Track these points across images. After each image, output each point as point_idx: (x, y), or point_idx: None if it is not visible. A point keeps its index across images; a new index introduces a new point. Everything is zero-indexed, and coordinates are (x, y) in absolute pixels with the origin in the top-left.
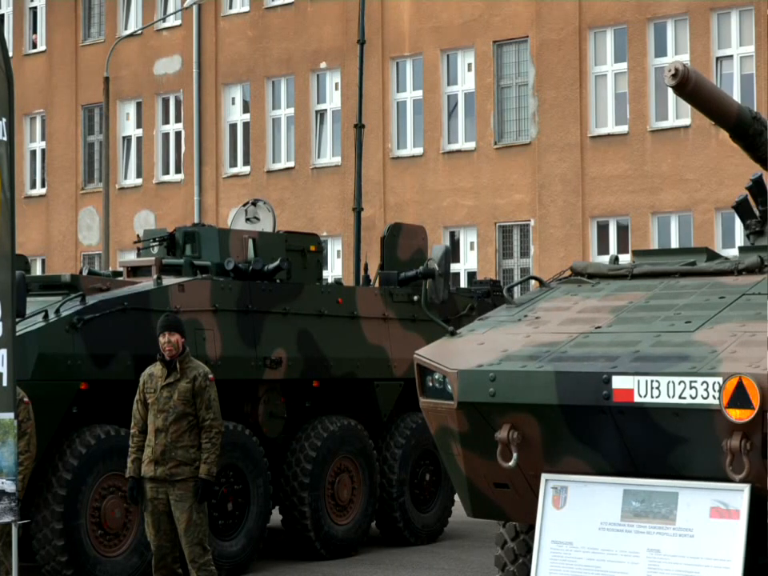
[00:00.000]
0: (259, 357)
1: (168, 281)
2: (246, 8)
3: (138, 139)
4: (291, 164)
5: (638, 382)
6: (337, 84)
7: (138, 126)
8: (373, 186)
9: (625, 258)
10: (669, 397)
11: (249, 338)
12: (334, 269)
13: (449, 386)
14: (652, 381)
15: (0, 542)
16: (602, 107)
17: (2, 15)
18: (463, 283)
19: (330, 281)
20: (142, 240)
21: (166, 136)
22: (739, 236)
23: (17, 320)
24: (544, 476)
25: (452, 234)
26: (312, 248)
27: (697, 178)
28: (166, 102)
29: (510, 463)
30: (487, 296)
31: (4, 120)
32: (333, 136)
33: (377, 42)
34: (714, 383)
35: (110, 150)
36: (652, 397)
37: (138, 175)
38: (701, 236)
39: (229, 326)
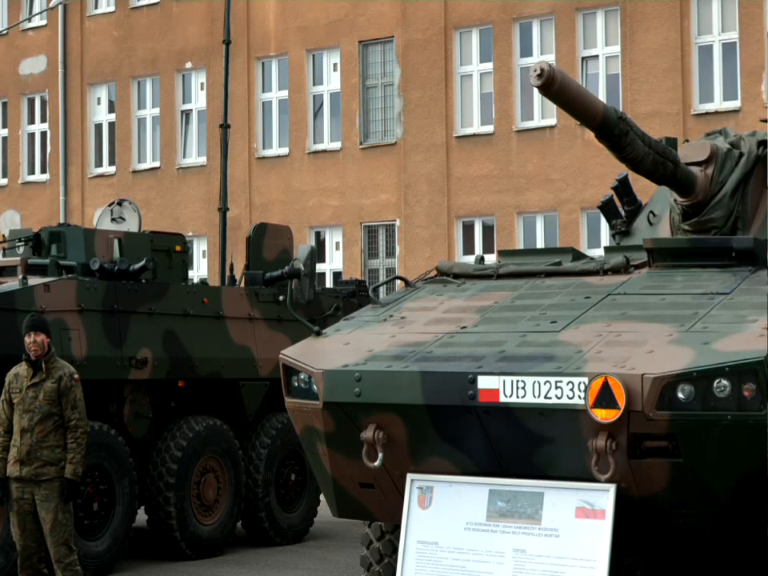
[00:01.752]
0: (125, 357)
1: (33, 281)
2: (112, 8)
3: (4, 139)
4: (157, 164)
5: (504, 382)
6: (202, 84)
7: (4, 126)
8: (238, 186)
9: (490, 258)
10: (534, 397)
11: (114, 338)
12: (200, 269)
13: (314, 386)
14: (517, 381)
15: None
16: (468, 107)
17: None
18: (329, 283)
19: (195, 281)
20: (7, 240)
21: (31, 136)
22: (605, 236)
23: None
24: (410, 476)
25: (317, 234)
26: (177, 248)
27: (562, 177)
28: (31, 102)
29: (376, 463)
30: (353, 296)
31: None
32: (198, 136)
33: (242, 42)
34: (580, 383)
35: None
36: (517, 397)
37: (4, 175)
38: (566, 236)
39: (94, 326)
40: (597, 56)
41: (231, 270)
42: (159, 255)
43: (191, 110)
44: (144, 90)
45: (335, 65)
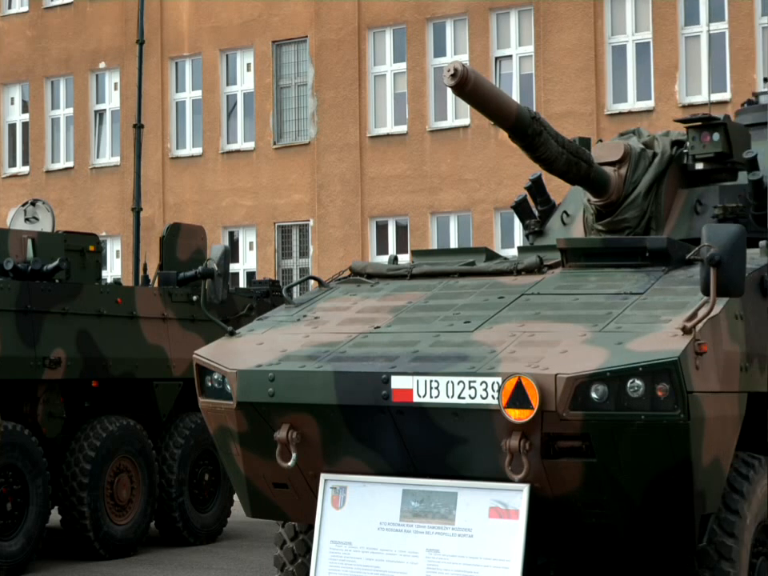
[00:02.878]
0: (38, 357)
1: None
2: (25, 8)
3: None
4: (70, 164)
5: (417, 381)
6: (116, 84)
7: None
8: (152, 186)
9: (404, 258)
10: (448, 397)
11: (28, 338)
12: (114, 269)
13: (228, 386)
14: (431, 381)
15: None
16: (381, 107)
17: None
18: (242, 283)
19: (109, 281)
20: None
21: None
22: (518, 236)
23: None
24: (323, 476)
25: (231, 234)
26: (91, 248)
27: (476, 177)
28: None
29: (290, 463)
30: (266, 296)
31: None
32: (112, 136)
33: (156, 42)
34: (493, 383)
35: None
36: (431, 397)
37: None
38: (480, 236)
39: (7, 326)
40: (510, 56)
41: (145, 270)
42: (73, 255)
43: (105, 110)
44: (58, 90)
45: (249, 65)
